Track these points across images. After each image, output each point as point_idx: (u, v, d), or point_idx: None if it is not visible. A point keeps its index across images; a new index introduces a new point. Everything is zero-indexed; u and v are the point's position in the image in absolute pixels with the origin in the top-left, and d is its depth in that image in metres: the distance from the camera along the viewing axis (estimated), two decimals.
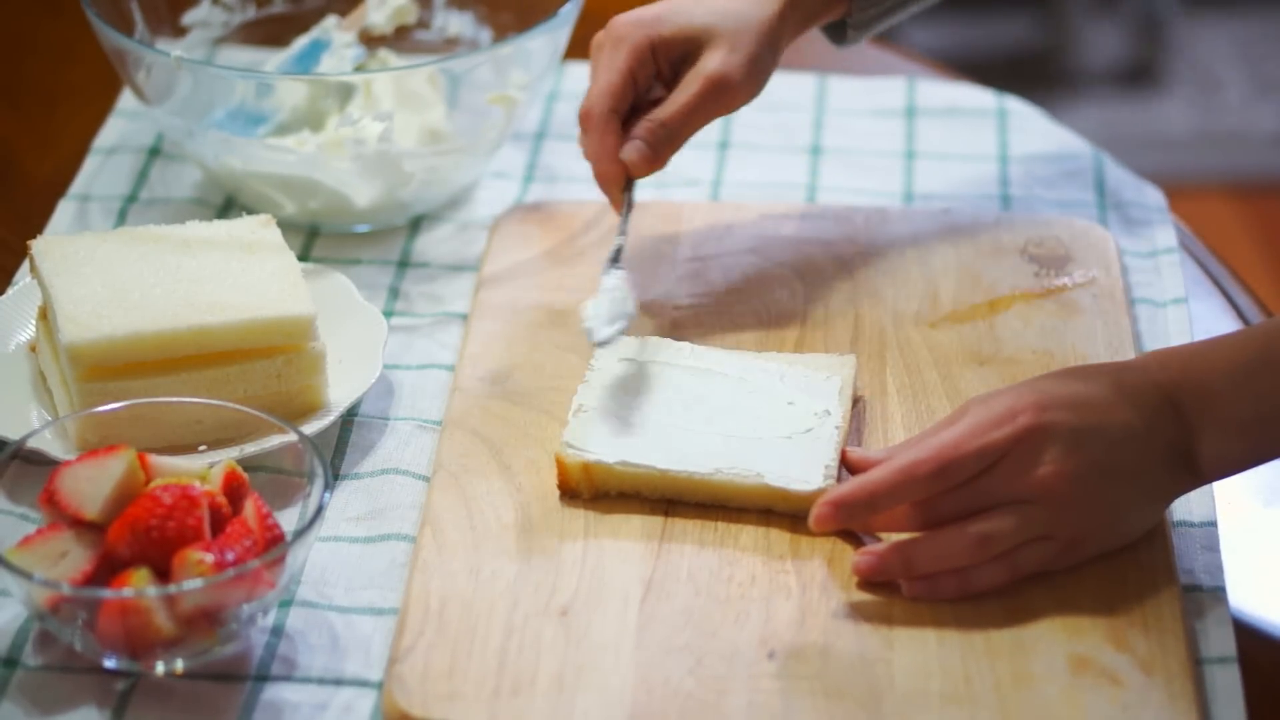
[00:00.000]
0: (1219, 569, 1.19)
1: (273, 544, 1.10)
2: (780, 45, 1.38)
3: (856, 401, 1.28)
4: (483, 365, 1.32)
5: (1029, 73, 3.33)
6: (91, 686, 1.10)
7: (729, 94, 1.35)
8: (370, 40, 1.58)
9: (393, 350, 1.36)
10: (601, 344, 1.26)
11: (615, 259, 1.32)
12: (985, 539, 1.13)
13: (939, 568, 1.13)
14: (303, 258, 1.44)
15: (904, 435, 1.26)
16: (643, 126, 1.34)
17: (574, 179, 1.55)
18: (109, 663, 1.10)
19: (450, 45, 1.60)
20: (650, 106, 1.36)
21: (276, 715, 1.10)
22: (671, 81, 1.36)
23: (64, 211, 1.51)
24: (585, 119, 1.35)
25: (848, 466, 1.21)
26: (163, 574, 1.08)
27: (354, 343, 1.31)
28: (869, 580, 1.15)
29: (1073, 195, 1.54)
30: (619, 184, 1.35)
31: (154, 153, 1.57)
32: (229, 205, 1.52)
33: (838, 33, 1.44)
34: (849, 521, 1.14)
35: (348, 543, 1.20)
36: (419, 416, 1.30)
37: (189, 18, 1.58)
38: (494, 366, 1.32)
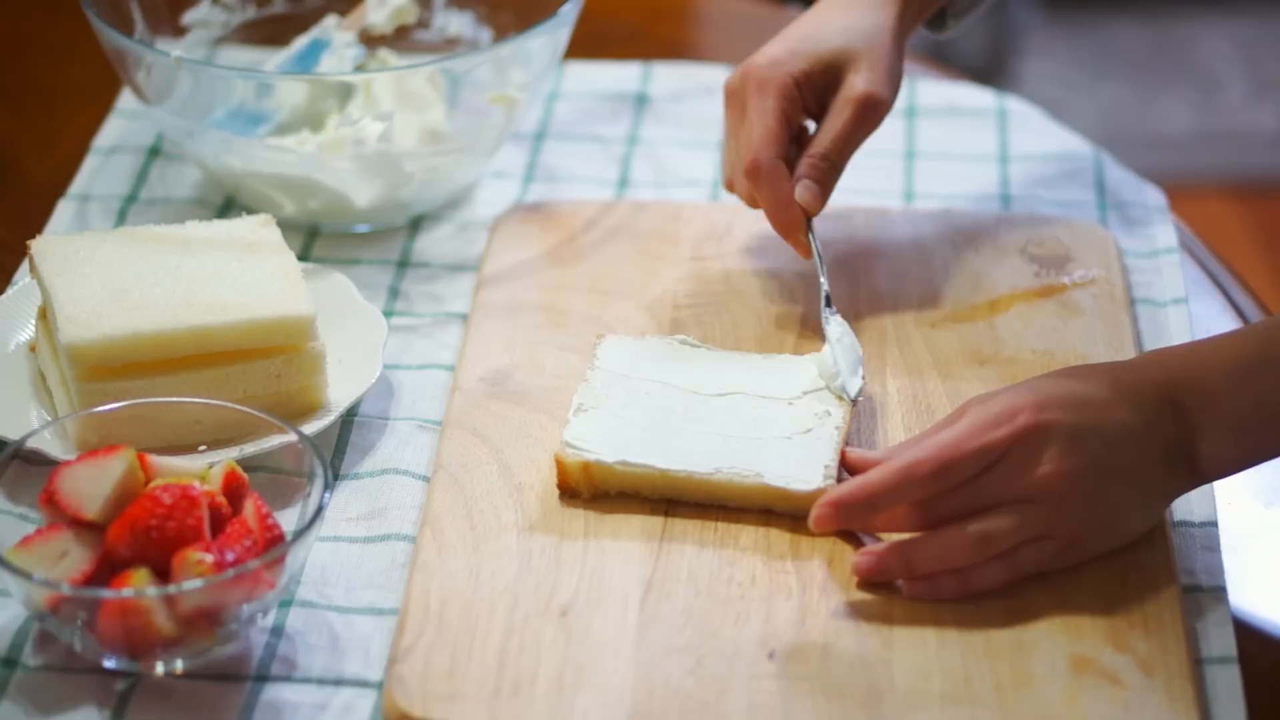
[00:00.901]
0: (1219, 569, 1.18)
1: (273, 544, 1.10)
2: (904, 46, 1.38)
3: (856, 401, 1.28)
4: (483, 365, 1.32)
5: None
6: (91, 686, 1.10)
7: (879, 111, 1.35)
8: (370, 40, 1.58)
9: (393, 350, 1.36)
10: (856, 398, 1.24)
11: (828, 304, 1.31)
12: (985, 539, 1.13)
13: (939, 567, 1.13)
14: (303, 258, 1.44)
15: (904, 435, 1.26)
16: (807, 165, 1.33)
17: (574, 179, 1.55)
18: (109, 663, 1.10)
19: (450, 45, 1.60)
20: (794, 142, 1.35)
21: (276, 715, 1.10)
22: (817, 111, 1.36)
23: (64, 211, 1.51)
24: (754, 171, 1.33)
25: (847, 467, 1.21)
26: (163, 574, 1.08)
27: (354, 343, 1.31)
28: (869, 580, 1.15)
29: (1073, 195, 1.54)
30: (802, 229, 1.34)
31: (154, 153, 1.57)
32: (229, 205, 1.52)
33: (937, 22, 1.44)
34: (849, 522, 1.14)
35: (348, 543, 1.20)
36: (419, 416, 1.30)
37: (189, 18, 1.57)
38: (494, 366, 1.32)
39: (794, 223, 1.34)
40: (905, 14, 1.38)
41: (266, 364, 1.25)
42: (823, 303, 1.31)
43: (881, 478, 1.13)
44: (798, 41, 1.35)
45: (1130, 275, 1.44)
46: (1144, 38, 3.48)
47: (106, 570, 1.08)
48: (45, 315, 1.28)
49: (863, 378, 1.26)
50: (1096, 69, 3.41)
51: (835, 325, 1.30)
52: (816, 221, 1.35)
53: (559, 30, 1.47)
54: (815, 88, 1.35)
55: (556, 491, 1.21)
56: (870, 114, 1.34)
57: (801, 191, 1.33)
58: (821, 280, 1.33)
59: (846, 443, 1.23)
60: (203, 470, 1.13)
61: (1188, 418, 1.14)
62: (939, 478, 1.13)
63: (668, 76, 1.68)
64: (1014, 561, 1.14)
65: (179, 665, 1.10)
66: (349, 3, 1.59)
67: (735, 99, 1.35)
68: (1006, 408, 1.14)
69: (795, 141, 1.36)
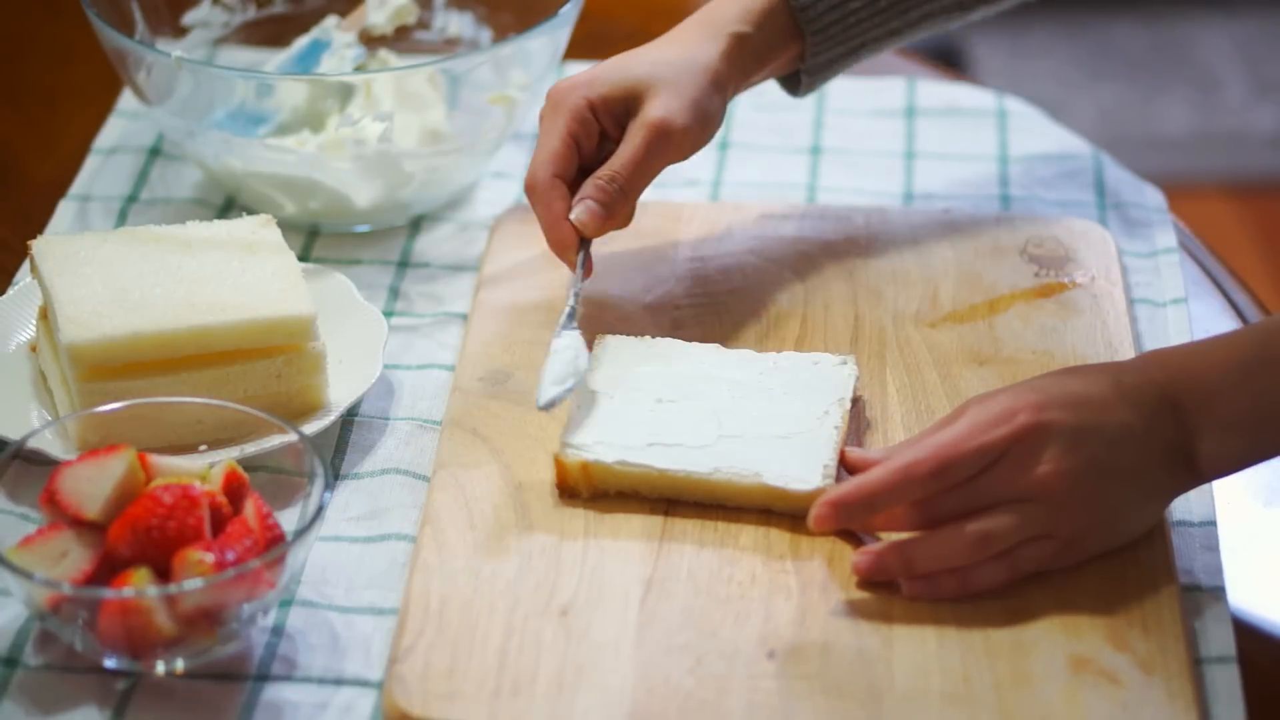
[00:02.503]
0: (1219, 569, 1.19)
1: (273, 544, 1.10)
2: (727, 89, 1.36)
3: (856, 401, 1.28)
4: (483, 365, 1.32)
5: None
6: (91, 686, 1.11)
7: (674, 140, 1.32)
8: (370, 40, 1.58)
9: (393, 350, 1.36)
10: (544, 407, 1.23)
11: (569, 319, 1.30)
12: (984, 538, 1.13)
13: (938, 567, 1.13)
14: (303, 258, 1.44)
15: (904, 435, 1.26)
16: (590, 185, 1.32)
17: None
18: (109, 663, 1.10)
19: (450, 45, 1.60)
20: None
21: (276, 715, 1.10)
22: (619, 138, 1.34)
23: (64, 211, 1.51)
24: (530, 189, 1.33)
25: (847, 467, 1.21)
26: (163, 574, 1.08)
27: (354, 343, 1.31)
28: (868, 580, 1.15)
29: (1073, 195, 1.54)
30: (573, 248, 1.33)
31: (154, 153, 1.57)
32: (229, 205, 1.52)
33: (792, 84, 1.43)
34: (848, 521, 1.14)
35: (348, 543, 1.21)
36: (419, 416, 1.30)
37: (189, 18, 1.58)
38: (494, 366, 1.32)
39: (564, 241, 1.33)
40: (733, 56, 1.35)
41: (267, 364, 1.25)
42: (564, 317, 1.30)
43: (880, 477, 1.13)
44: (605, 69, 1.35)
45: (1130, 275, 1.44)
46: (1144, 38, 3.48)
47: (107, 570, 1.08)
48: (46, 315, 1.28)
49: (568, 393, 1.24)
50: (1096, 69, 3.41)
51: (563, 339, 1.28)
52: (821, 221, 1.35)
53: (559, 30, 1.47)
54: (615, 114, 1.34)
55: (556, 491, 1.21)
56: (663, 140, 1.32)
57: (579, 212, 1.32)
58: (570, 299, 1.31)
59: (845, 442, 1.23)
60: (203, 470, 1.13)
61: (1187, 418, 1.14)
62: (938, 477, 1.13)
63: None
64: (1013, 561, 1.14)
65: (179, 665, 1.11)
66: (349, 3, 1.59)
67: (540, 119, 1.35)
68: (1006, 407, 1.14)
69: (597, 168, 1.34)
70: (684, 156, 1.35)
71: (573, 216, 1.32)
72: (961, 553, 1.13)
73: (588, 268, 1.33)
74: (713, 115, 1.35)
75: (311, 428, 1.24)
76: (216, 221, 1.34)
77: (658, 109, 1.32)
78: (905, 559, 1.14)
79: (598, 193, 1.32)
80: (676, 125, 1.32)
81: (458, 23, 1.60)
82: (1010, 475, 1.13)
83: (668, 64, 1.34)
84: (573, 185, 1.33)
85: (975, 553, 1.13)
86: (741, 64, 1.37)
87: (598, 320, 1.36)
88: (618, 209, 1.33)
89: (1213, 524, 1.21)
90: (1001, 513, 1.13)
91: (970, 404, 1.16)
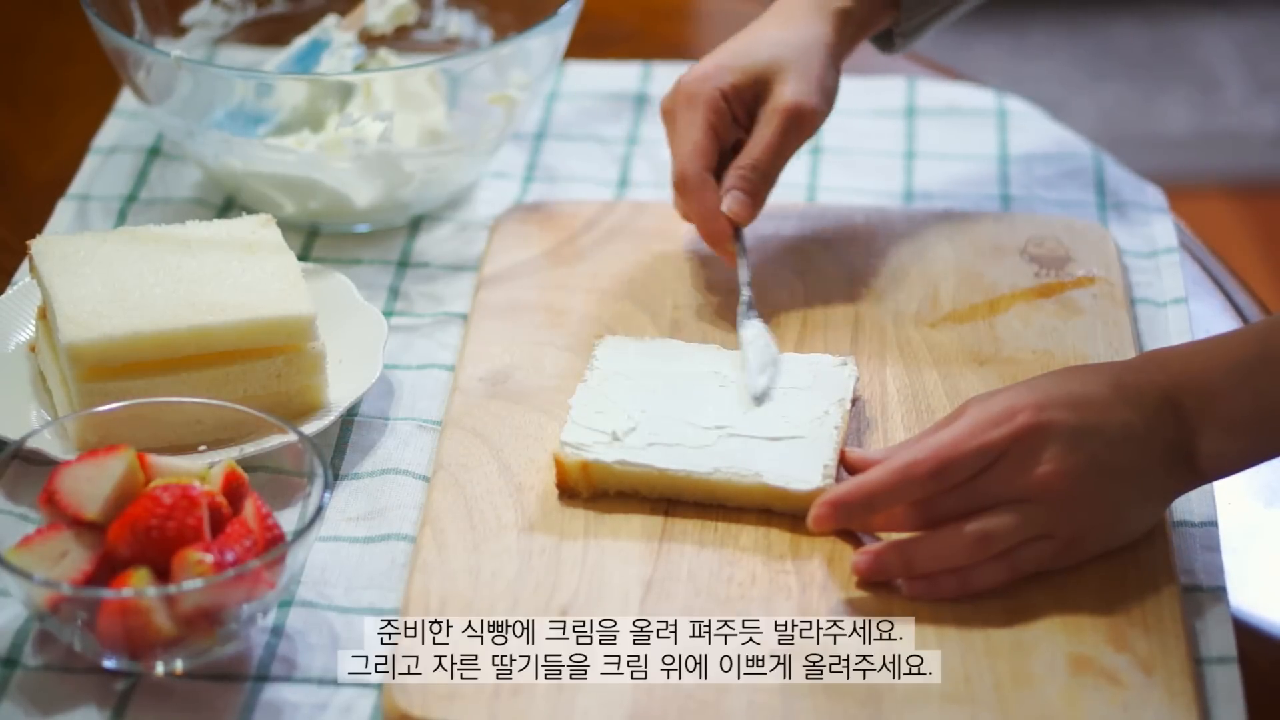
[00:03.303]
0: (1219, 569, 1.18)
1: (273, 544, 1.10)
2: (840, 61, 1.39)
3: (856, 401, 1.28)
4: (483, 365, 1.32)
5: None
6: (91, 686, 1.10)
7: (807, 120, 1.36)
8: (370, 40, 1.58)
9: (393, 350, 1.36)
10: (759, 396, 1.25)
11: (750, 309, 1.32)
12: (984, 538, 1.13)
13: (938, 567, 1.13)
14: (303, 258, 1.44)
15: (904, 435, 1.26)
16: (735, 175, 1.35)
17: (574, 179, 1.55)
18: (109, 663, 1.10)
19: (450, 45, 1.60)
20: (734, 153, 1.37)
21: (276, 715, 1.10)
22: (748, 124, 1.37)
23: (64, 211, 1.51)
24: (681, 184, 1.35)
25: (847, 467, 1.21)
26: (163, 574, 1.08)
27: (354, 343, 1.31)
28: (868, 580, 1.15)
29: (1073, 195, 1.54)
30: (729, 239, 1.36)
31: (154, 153, 1.57)
32: (229, 205, 1.52)
33: (885, 42, 1.46)
34: (847, 521, 1.14)
35: (348, 543, 1.20)
36: (419, 416, 1.30)
37: (189, 17, 1.57)
38: (494, 366, 1.32)
39: (721, 234, 1.36)
40: (842, 30, 1.39)
41: (266, 364, 1.25)
42: (743, 308, 1.32)
43: (880, 477, 1.13)
44: (728, 56, 1.37)
45: (1130, 275, 1.44)
46: (1144, 38, 3.48)
47: (106, 570, 1.08)
48: (45, 315, 1.28)
49: (772, 380, 1.26)
50: (1096, 69, 3.40)
51: (750, 328, 1.31)
52: (817, 219, 1.35)
53: (559, 30, 1.47)
54: (745, 101, 1.36)
55: (556, 491, 1.21)
56: (798, 123, 1.35)
57: (729, 203, 1.35)
58: (744, 287, 1.34)
59: (845, 443, 1.23)
60: (203, 470, 1.13)
61: (1188, 418, 1.14)
62: (937, 477, 1.13)
63: (668, 76, 1.67)
64: (1013, 561, 1.14)
65: (179, 665, 1.10)
66: (349, 3, 1.59)
67: (669, 116, 1.37)
68: (1006, 407, 1.14)
69: (733, 154, 1.37)
70: (812, 135, 1.38)
71: (725, 209, 1.35)
72: (961, 553, 1.13)
73: (743, 253, 1.36)
74: (834, 89, 1.38)
75: (311, 428, 1.24)
76: (216, 221, 1.34)
77: (790, 93, 1.35)
78: (905, 559, 1.14)
79: (743, 183, 1.35)
80: (809, 107, 1.35)
81: (458, 22, 1.60)
82: (1010, 475, 1.13)
83: (788, 46, 1.37)
84: (715, 176, 1.36)
85: (975, 553, 1.13)
86: (849, 37, 1.40)
87: (598, 320, 1.36)
88: (762, 195, 1.36)
89: (1213, 524, 1.21)
90: (1001, 513, 1.13)
91: (970, 404, 1.16)
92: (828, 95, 1.37)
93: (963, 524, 1.13)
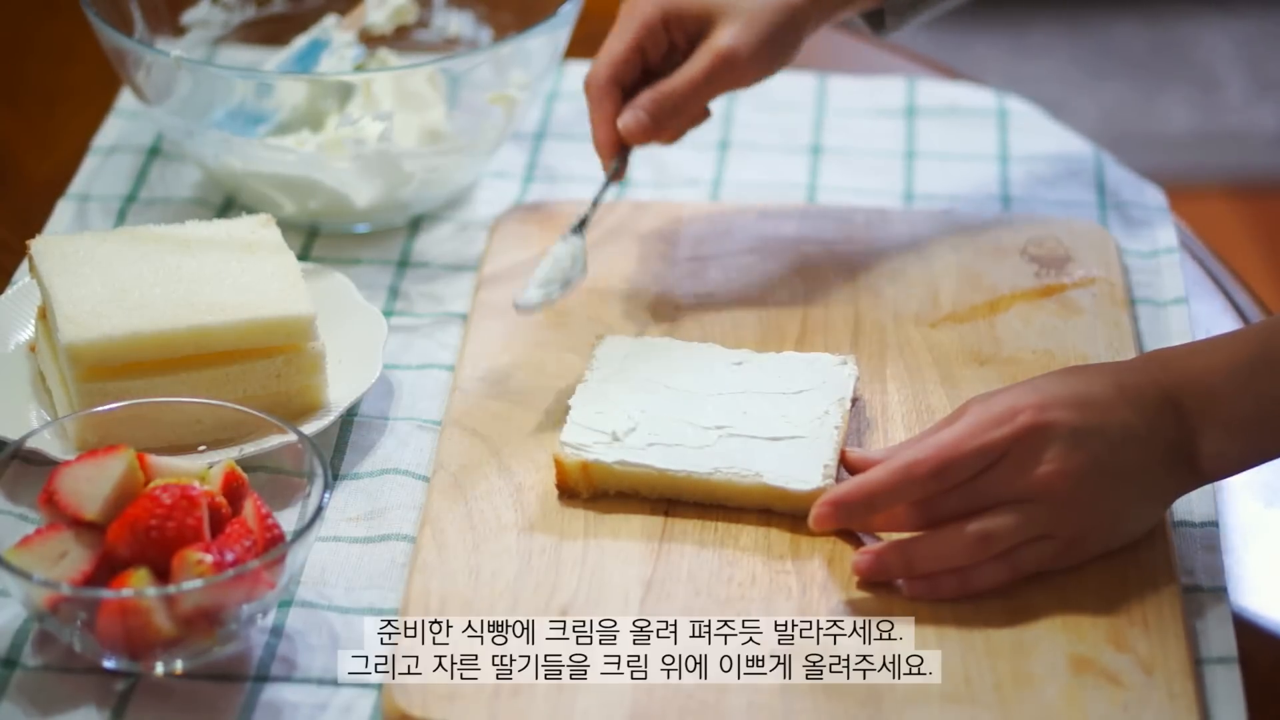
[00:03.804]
0: (1219, 569, 1.18)
1: (272, 544, 1.10)
2: (804, 27, 1.37)
3: (856, 401, 1.28)
4: (483, 365, 1.32)
5: None
6: (91, 686, 1.10)
7: (737, 70, 1.34)
8: (370, 40, 1.58)
9: (393, 350, 1.35)
10: (523, 308, 1.24)
11: (580, 226, 1.32)
12: (985, 538, 1.13)
13: (939, 567, 1.13)
14: (303, 258, 1.44)
15: (904, 435, 1.26)
16: (645, 95, 1.34)
17: (574, 179, 1.55)
18: (108, 663, 1.10)
19: (450, 45, 1.60)
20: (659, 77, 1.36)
21: (276, 715, 1.10)
22: (687, 53, 1.36)
23: (63, 211, 1.51)
24: (586, 86, 1.35)
25: (847, 466, 1.21)
26: (162, 574, 1.08)
27: (354, 343, 1.31)
28: (869, 580, 1.15)
29: (1073, 195, 1.54)
30: (611, 152, 1.36)
31: (154, 153, 1.57)
32: (229, 205, 1.52)
33: (876, 21, 1.44)
34: (848, 521, 1.14)
35: (348, 543, 1.20)
36: (419, 416, 1.30)
37: (189, 17, 1.57)
38: (494, 366, 1.32)
39: (605, 144, 1.35)
40: None
41: (266, 364, 1.25)
42: (574, 224, 1.33)
43: (881, 477, 1.13)
44: None
45: (1130, 275, 1.44)
46: (1144, 38, 3.48)
47: (106, 570, 1.08)
48: (45, 315, 1.28)
49: (551, 300, 1.25)
50: (1096, 69, 3.40)
51: (565, 244, 1.31)
52: (822, 222, 1.35)
53: (559, 30, 1.47)
54: (688, 31, 1.35)
55: (556, 491, 1.21)
56: (725, 69, 1.33)
57: (626, 118, 1.34)
58: (590, 206, 1.34)
59: (845, 443, 1.23)
60: (203, 470, 1.13)
61: (1189, 418, 1.14)
62: (938, 477, 1.13)
63: None
64: (1014, 561, 1.13)
65: (179, 665, 1.10)
66: (349, 3, 1.59)
67: (618, 17, 1.37)
68: (1008, 407, 1.14)
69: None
70: (746, 85, 1.36)
71: (620, 121, 1.34)
72: (962, 553, 1.13)
73: (619, 175, 1.35)
74: (783, 50, 1.36)
75: (311, 428, 1.24)
76: (216, 221, 1.34)
77: (727, 37, 1.33)
78: (906, 559, 1.14)
79: (650, 105, 1.34)
80: (742, 56, 1.33)
81: (458, 23, 1.60)
82: (1011, 475, 1.13)
83: None
84: (631, 91, 1.35)
85: (976, 553, 1.13)
86: (826, 6, 1.37)
87: (598, 320, 1.36)
88: (666, 124, 1.34)
89: (1214, 524, 1.21)
90: (1002, 513, 1.13)
91: (971, 404, 1.16)
92: (771, 53, 1.35)
93: (964, 524, 1.13)
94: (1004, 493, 1.13)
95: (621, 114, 1.34)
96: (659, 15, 1.34)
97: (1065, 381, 1.16)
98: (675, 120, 1.35)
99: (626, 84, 1.35)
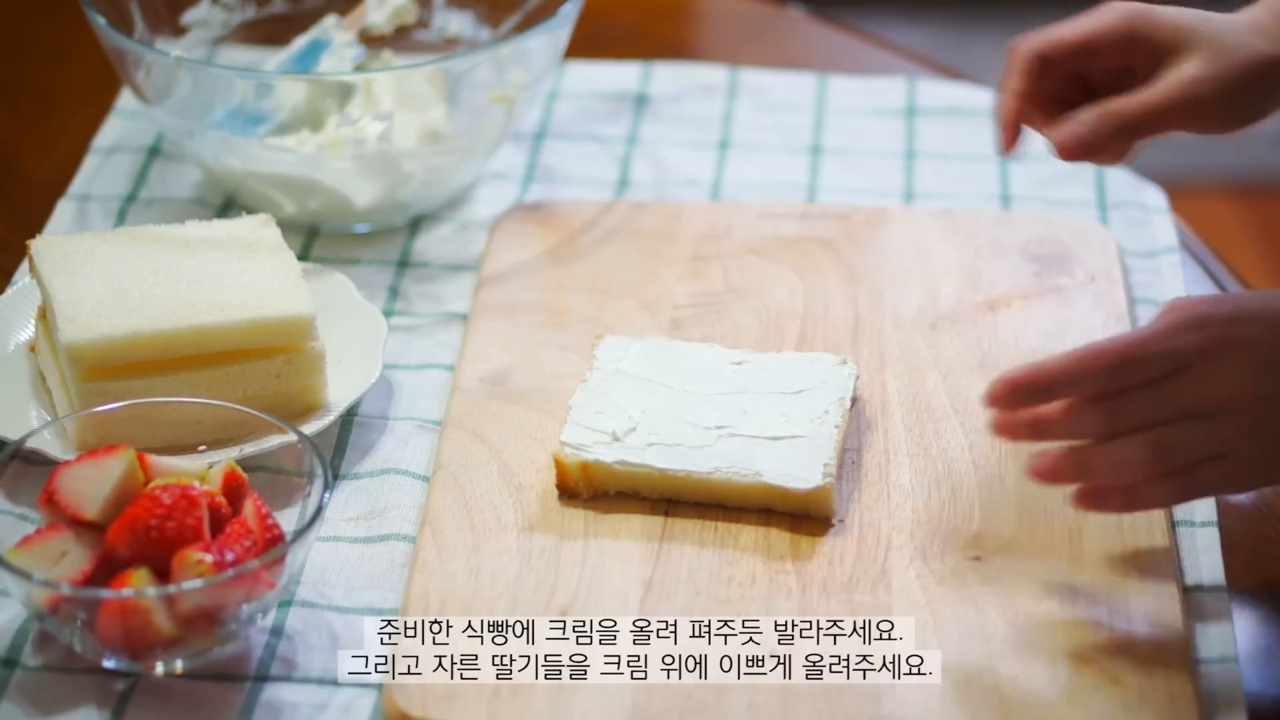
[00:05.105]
0: (1219, 569, 1.18)
1: (272, 544, 1.10)
2: (1274, 93, 1.25)
3: (856, 401, 1.28)
4: (483, 365, 1.32)
5: None
6: (91, 686, 1.10)
7: (1198, 105, 1.22)
8: (370, 40, 1.58)
9: (392, 350, 1.35)
10: None
11: None
12: (1162, 449, 1.08)
13: (1113, 477, 1.09)
14: (303, 258, 1.44)
15: (904, 435, 1.26)
16: (1091, 111, 1.23)
17: (574, 179, 1.55)
18: (108, 663, 1.10)
19: (450, 45, 1.60)
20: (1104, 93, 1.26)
21: (276, 715, 1.10)
22: (1119, 72, 1.26)
23: (63, 211, 1.51)
24: (1011, 49, 1.25)
25: (1012, 386, 1.11)
26: (162, 574, 1.08)
27: (354, 343, 1.31)
28: (1045, 481, 1.09)
29: (1073, 195, 1.54)
30: (1014, 126, 1.26)
31: (154, 153, 1.57)
32: (229, 205, 1.52)
33: None
34: (1021, 402, 1.09)
35: (348, 543, 1.20)
36: (419, 416, 1.30)
37: (189, 17, 1.57)
38: (494, 366, 1.32)
39: (1009, 118, 1.26)
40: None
41: (266, 364, 1.25)
42: None
43: (1061, 362, 1.08)
44: (1172, 9, 1.26)
45: (1130, 275, 1.44)
46: None
47: (106, 570, 1.08)
48: (45, 315, 1.28)
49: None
50: None
51: None
52: (829, 220, 1.35)
53: (559, 30, 1.47)
54: (1151, 52, 1.25)
55: (556, 491, 1.21)
56: (1189, 102, 1.22)
57: (1066, 130, 1.23)
58: None
59: (845, 443, 1.23)
60: (203, 470, 1.13)
61: None
62: (1118, 371, 1.08)
63: (668, 76, 1.68)
64: (1187, 480, 1.09)
65: (179, 665, 1.10)
66: (349, 3, 1.59)
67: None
68: (1203, 314, 1.09)
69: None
70: (1198, 130, 1.25)
71: (1058, 134, 1.24)
72: (1139, 463, 1.08)
73: (1009, 142, 1.26)
74: (1252, 102, 1.25)
75: (311, 428, 1.24)
76: (216, 221, 1.34)
77: (1196, 68, 1.22)
78: (1081, 464, 1.09)
79: (1097, 121, 1.23)
80: (1206, 91, 1.22)
81: (458, 23, 1.60)
82: (1196, 386, 1.08)
83: (1227, 33, 1.24)
84: (1063, 82, 1.26)
85: (1152, 465, 1.08)
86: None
87: (598, 320, 1.36)
88: (1107, 144, 1.23)
89: (1214, 524, 1.21)
90: (1182, 426, 1.08)
91: (1171, 305, 1.11)
92: (1242, 98, 1.24)
93: (1141, 434, 1.08)
94: (1187, 404, 1.08)
95: (1061, 126, 1.23)
96: (1125, 26, 1.25)
97: (1268, 300, 1.11)
98: (1118, 143, 1.24)
99: (1054, 71, 1.25)
